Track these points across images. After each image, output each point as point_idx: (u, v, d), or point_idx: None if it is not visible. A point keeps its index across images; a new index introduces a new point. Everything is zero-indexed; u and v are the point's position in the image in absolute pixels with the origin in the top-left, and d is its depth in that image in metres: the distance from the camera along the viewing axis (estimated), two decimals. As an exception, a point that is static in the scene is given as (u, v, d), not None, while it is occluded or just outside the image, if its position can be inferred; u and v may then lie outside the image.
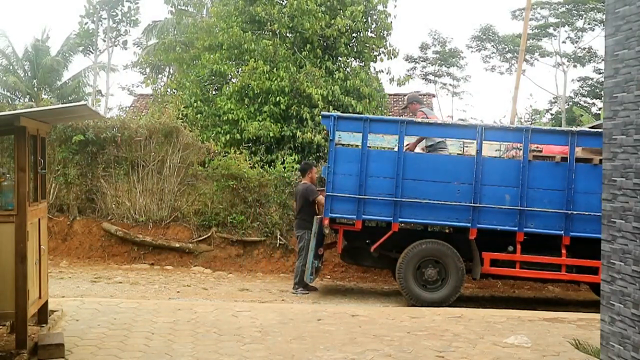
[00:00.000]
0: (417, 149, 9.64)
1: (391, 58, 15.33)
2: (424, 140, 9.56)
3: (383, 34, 15.11)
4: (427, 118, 9.58)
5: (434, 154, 9.36)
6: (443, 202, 8.73)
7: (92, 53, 31.30)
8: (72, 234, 11.79)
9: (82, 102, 6.15)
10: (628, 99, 3.22)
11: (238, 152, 12.20)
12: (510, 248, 8.88)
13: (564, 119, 29.11)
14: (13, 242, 5.10)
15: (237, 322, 6.73)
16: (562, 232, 8.66)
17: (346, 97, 13.78)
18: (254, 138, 13.29)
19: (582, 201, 8.60)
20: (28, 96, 27.93)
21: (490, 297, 10.20)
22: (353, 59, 15.36)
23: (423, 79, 35.61)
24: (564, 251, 8.72)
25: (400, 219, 8.86)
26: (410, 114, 10.01)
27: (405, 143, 9.14)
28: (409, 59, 34.98)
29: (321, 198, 9.44)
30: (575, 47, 33.09)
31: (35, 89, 28.83)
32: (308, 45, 14.15)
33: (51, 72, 29.53)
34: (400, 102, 21.75)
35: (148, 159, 11.86)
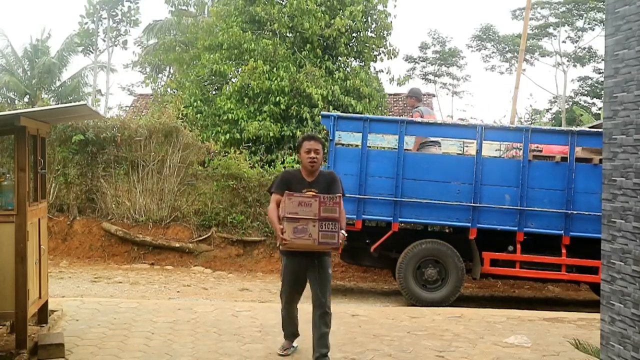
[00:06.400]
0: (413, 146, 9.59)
1: (391, 58, 15.37)
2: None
3: (383, 34, 15.13)
4: (423, 117, 9.56)
5: (425, 151, 9.30)
6: (443, 202, 8.73)
7: (92, 53, 31.27)
8: (72, 234, 11.79)
9: (82, 102, 6.15)
10: (628, 99, 3.21)
11: (238, 152, 12.21)
12: (510, 248, 8.88)
13: (564, 119, 29.08)
14: (13, 242, 5.09)
15: (237, 322, 6.72)
16: (562, 232, 8.66)
17: (346, 97, 13.79)
18: (254, 138, 13.30)
19: (582, 201, 8.60)
20: (27, 96, 27.91)
21: (490, 297, 10.20)
22: (353, 58, 15.37)
23: (423, 78, 35.64)
24: (564, 251, 8.73)
25: (400, 219, 8.86)
26: (409, 108, 10.04)
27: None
28: (408, 58, 35.01)
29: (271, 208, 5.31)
30: (575, 47, 33.09)
31: (35, 88, 28.80)
32: (308, 45, 14.15)
33: (50, 72, 29.49)
34: (401, 102, 21.79)
35: (148, 158, 11.86)
